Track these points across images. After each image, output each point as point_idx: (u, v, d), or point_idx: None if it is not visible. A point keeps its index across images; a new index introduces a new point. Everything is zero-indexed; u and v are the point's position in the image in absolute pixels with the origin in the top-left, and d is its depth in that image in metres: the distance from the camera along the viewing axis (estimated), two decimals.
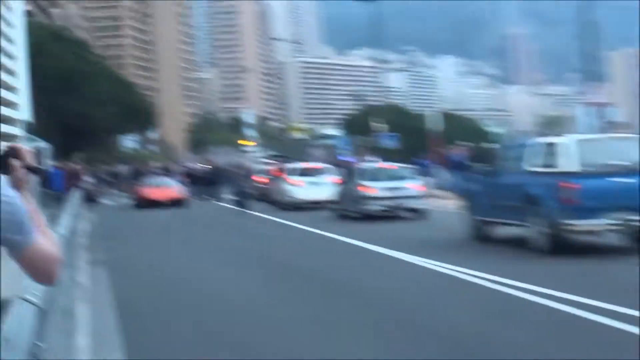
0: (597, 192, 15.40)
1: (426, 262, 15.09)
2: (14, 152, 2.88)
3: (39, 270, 2.74)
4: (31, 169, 2.89)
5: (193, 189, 46.38)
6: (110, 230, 26.82)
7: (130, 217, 35.26)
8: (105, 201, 46.17)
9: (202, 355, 8.69)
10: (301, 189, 34.55)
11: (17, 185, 2.82)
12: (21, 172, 2.87)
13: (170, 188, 41.72)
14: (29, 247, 2.68)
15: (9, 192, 2.67)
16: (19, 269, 2.80)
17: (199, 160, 70.02)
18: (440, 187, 37.18)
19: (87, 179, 40.86)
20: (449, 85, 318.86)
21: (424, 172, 37.30)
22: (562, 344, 8.52)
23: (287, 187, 35.04)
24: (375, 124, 59.85)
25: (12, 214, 2.63)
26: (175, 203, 39.77)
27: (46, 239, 2.76)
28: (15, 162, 2.86)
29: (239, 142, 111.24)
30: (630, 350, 7.94)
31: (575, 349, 8.29)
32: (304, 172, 36.36)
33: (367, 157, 39.39)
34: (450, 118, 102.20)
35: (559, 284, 11.76)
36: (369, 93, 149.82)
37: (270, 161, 65.69)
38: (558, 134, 18.83)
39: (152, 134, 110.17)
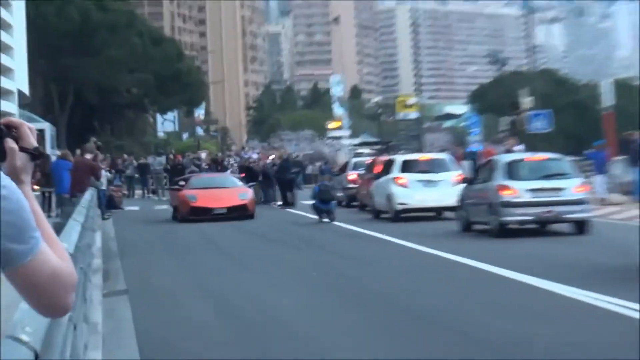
0: None
1: (599, 300, 14.83)
2: (9, 130, 2.78)
3: (44, 293, 2.65)
4: (33, 154, 2.81)
5: (253, 190, 46.36)
6: (137, 247, 27.03)
7: (165, 229, 35.58)
8: (130, 207, 46.66)
9: None
10: (412, 191, 34.64)
11: (13, 174, 2.73)
12: (19, 157, 2.79)
13: (229, 190, 39.12)
14: (31, 261, 2.57)
15: (7, 182, 2.57)
16: (11, 293, 2.71)
17: (263, 150, 70.48)
18: (621, 190, 36.75)
19: (106, 175, 40.72)
20: (629, 42, 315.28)
21: (598, 167, 36.84)
22: None
23: (393, 189, 35.11)
24: (520, 99, 59.40)
25: (9, 213, 2.52)
26: (237, 213, 37.16)
27: (55, 250, 2.68)
28: (11, 144, 2.77)
29: (324, 124, 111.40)
30: None
31: None
32: (417, 167, 36.38)
33: (508, 145, 38.92)
34: (630, 90, 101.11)
35: None
36: (510, 54, 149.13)
37: (367, 151, 65.87)
38: None
39: (199, 113, 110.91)
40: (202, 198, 37.43)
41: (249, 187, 45.47)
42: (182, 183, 40.71)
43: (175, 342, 13.08)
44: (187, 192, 38.04)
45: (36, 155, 2.81)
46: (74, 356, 7.68)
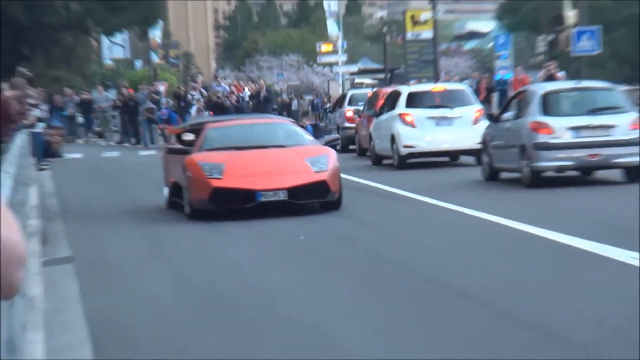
0: None
1: None
2: None
3: None
4: None
5: None
6: (83, 206, 27.16)
7: (118, 181, 35.40)
8: (72, 155, 46.66)
9: None
10: (421, 130, 34.49)
11: None
12: None
13: (286, 153, 24.33)
14: None
15: None
16: None
17: (236, 81, 70.60)
18: None
19: (40, 115, 40.34)
20: None
21: None
22: None
23: (398, 128, 34.99)
24: (562, 12, 59.59)
25: None
26: (309, 198, 23.63)
27: (3, 222, 2.84)
28: None
29: (314, 47, 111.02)
30: None
31: None
32: (426, 100, 36.22)
33: (546, 71, 38.85)
34: None
35: None
36: None
37: (368, 81, 66.04)
38: None
39: (156, 35, 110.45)
40: (235, 170, 22.93)
41: None
42: (189, 136, 25.15)
43: (131, 322, 13.25)
44: (203, 158, 23.21)
45: None
46: (9, 337, 8.02)
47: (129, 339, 12.69)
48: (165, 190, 24.98)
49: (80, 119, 60.80)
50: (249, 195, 22.18)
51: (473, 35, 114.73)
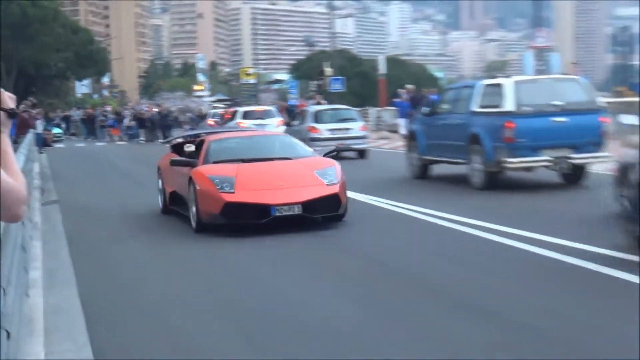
0: (532, 130, 15.74)
1: (368, 199, 15.31)
2: None
3: (3, 206, 2.69)
4: (10, 113, 2.86)
5: (141, 131, 47.60)
6: (64, 173, 26.61)
7: (82, 156, 34.69)
8: (58, 145, 45.78)
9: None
10: None
11: None
12: (1, 115, 2.83)
13: (294, 165, 14.18)
14: None
15: None
16: None
17: (150, 105, 69.51)
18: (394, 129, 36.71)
19: (40, 123, 39.79)
20: (398, 31, 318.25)
21: (402, 113, 33.98)
22: (492, 269, 8.84)
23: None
24: (323, 69, 59.75)
25: None
26: (322, 211, 13.03)
27: (13, 175, 2.73)
28: None
29: (196, 88, 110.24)
30: (556, 273, 8.50)
31: (504, 273, 8.61)
32: (252, 115, 36.87)
33: (315, 100, 38.98)
34: (396, 63, 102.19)
35: (490, 216, 12.24)
36: (318, 39, 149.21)
37: (221, 105, 65.43)
38: (498, 77, 19.01)
39: (106, 81, 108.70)
40: (246, 183, 13.37)
41: (138, 130, 43.97)
42: (189, 147, 15.66)
43: (94, 237, 12.95)
44: (211, 171, 13.63)
45: (12, 114, 2.85)
46: (24, 243, 7.88)
47: (94, 241, 12.30)
48: (160, 198, 15.57)
49: (63, 126, 59.42)
50: (263, 210, 12.79)
51: (277, 81, 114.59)
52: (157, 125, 47.12)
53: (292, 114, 36.78)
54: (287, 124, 31.52)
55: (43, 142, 39.17)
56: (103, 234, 13.09)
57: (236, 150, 14.18)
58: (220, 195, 12.31)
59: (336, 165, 13.34)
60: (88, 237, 12.85)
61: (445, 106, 18.77)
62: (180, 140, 16.52)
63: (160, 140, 46.06)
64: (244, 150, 14.20)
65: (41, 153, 35.01)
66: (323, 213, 12.52)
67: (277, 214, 12.21)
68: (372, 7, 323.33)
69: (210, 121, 44.21)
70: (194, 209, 12.62)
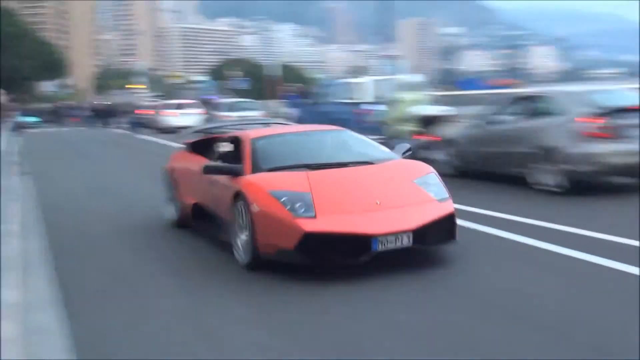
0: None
1: None
2: None
3: None
4: None
5: (96, 119, 46.29)
6: (35, 152, 25.74)
7: (50, 141, 33.43)
8: (32, 131, 44.21)
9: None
10: (174, 118, 33.76)
11: None
12: None
13: (386, 175, 6.29)
14: None
15: None
16: None
17: (101, 100, 67.44)
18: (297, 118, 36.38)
19: (17, 113, 38.37)
20: (287, 44, 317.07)
21: (293, 104, 31.68)
22: None
23: (165, 117, 34.39)
24: (233, 72, 59.06)
25: None
26: (436, 238, 5.97)
27: None
28: None
29: (131, 86, 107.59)
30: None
31: None
32: (178, 106, 35.75)
33: (226, 95, 38.58)
34: (287, 68, 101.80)
35: None
36: (229, 50, 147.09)
37: (155, 100, 64.15)
38: (358, 76, 19.26)
39: (68, 81, 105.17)
40: (329, 203, 5.55)
41: (94, 118, 41.73)
42: (224, 147, 7.27)
43: (55, 199, 12.53)
44: (273, 184, 5.91)
45: None
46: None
47: (55, 196, 11.81)
48: (172, 209, 8.41)
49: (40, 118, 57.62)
50: (362, 243, 5.56)
51: (199, 81, 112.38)
52: (107, 114, 46.85)
53: (208, 106, 36.26)
54: (207, 113, 31.03)
55: (20, 128, 38.04)
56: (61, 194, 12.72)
57: (292, 152, 7.03)
58: (296, 222, 5.75)
59: (435, 172, 6.70)
60: (51, 198, 12.46)
61: (322, 99, 18.92)
62: (201, 136, 9.12)
63: (100, 125, 45.00)
64: (302, 152, 7.02)
65: (19, 136, 33.74)
66: (437, 242, 6.16)
67: (381, 248, 5.78)
68: (270, 27, 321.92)
69: (141, 111, 42.52)
70: (244, 236, 6.29)
